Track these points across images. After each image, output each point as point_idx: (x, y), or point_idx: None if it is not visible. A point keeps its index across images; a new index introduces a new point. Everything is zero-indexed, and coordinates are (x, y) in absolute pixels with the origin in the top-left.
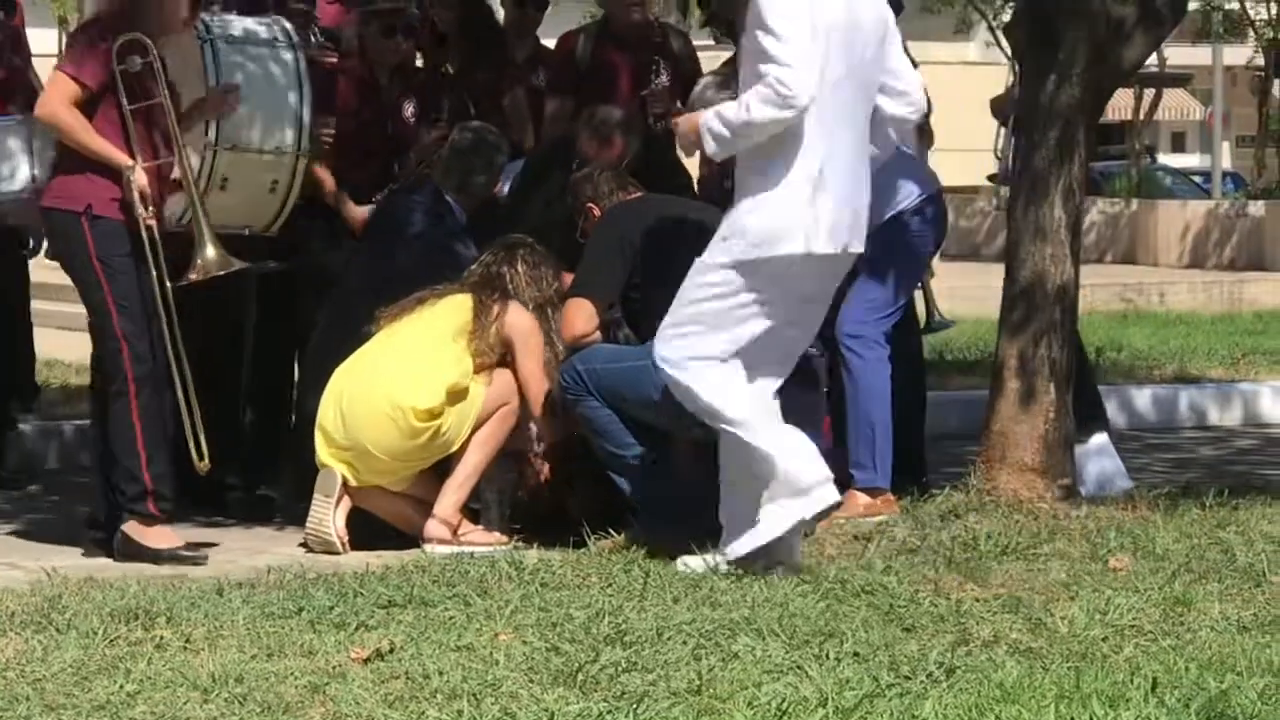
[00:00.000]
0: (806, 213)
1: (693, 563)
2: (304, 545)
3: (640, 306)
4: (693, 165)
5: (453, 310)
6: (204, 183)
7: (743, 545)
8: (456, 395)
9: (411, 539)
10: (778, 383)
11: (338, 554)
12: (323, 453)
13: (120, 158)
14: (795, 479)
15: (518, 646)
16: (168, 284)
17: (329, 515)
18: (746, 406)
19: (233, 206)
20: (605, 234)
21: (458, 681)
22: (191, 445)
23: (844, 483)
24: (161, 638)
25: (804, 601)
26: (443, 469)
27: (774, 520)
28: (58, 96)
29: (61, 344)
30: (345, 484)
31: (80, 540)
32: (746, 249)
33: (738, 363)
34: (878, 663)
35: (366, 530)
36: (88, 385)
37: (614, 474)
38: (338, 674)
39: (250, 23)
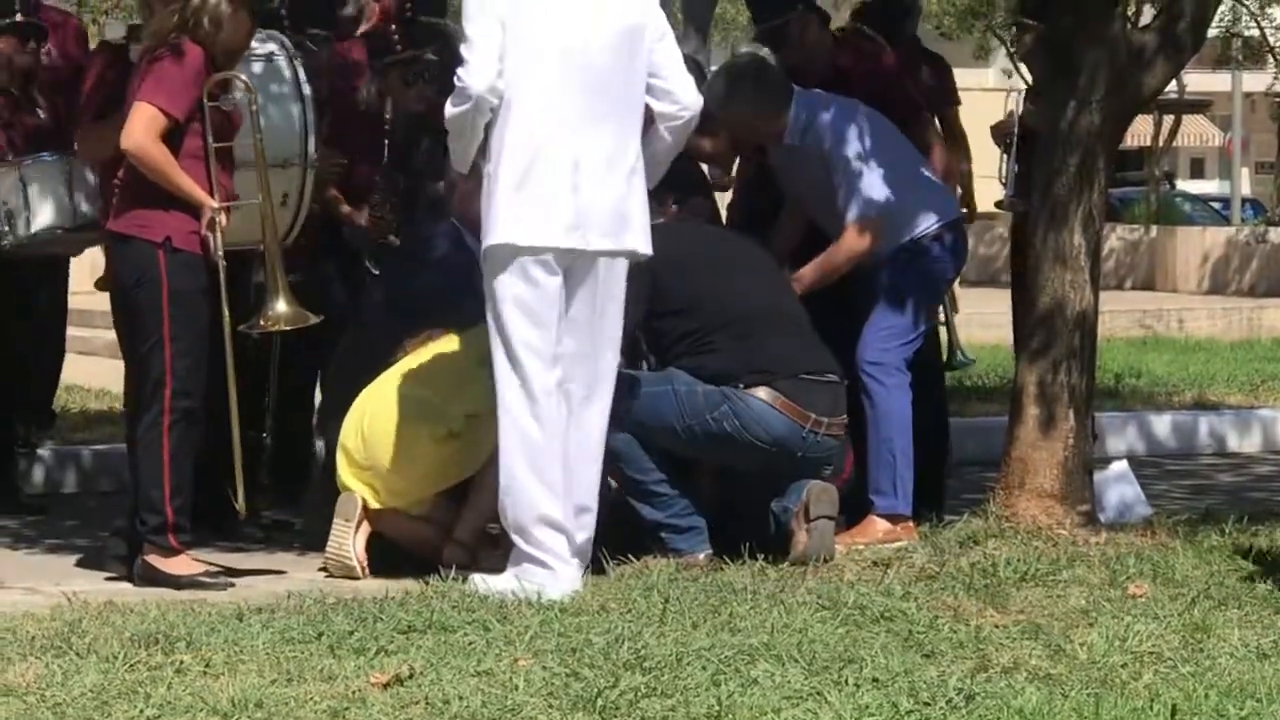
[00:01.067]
0: (509, 209)
1: (493, 582)
2: (324, 570)
3: (661, 334)
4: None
5: (479, 339)
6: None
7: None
8: (478, 420)
9: (431, 564)
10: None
11: (357, 579)
12: (344, 473)
13: (204, 197)
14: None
15: (537, 672)
16: (226, 324)
17: (349, 540)
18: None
19: (246, 225)
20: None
21: (477, 707)
22: (239, 489)
23: (864, 508)
24: (181, 663)
25: (823, 627)
26: (462, 494)
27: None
28: (144, 129)
29: (80, 369)
30: (365, 508)
31: (101, 563)
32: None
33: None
34: (897, 689)
35: (386, 555)
36: (107, 410)
37: (634, 500)
38: (357, 699)
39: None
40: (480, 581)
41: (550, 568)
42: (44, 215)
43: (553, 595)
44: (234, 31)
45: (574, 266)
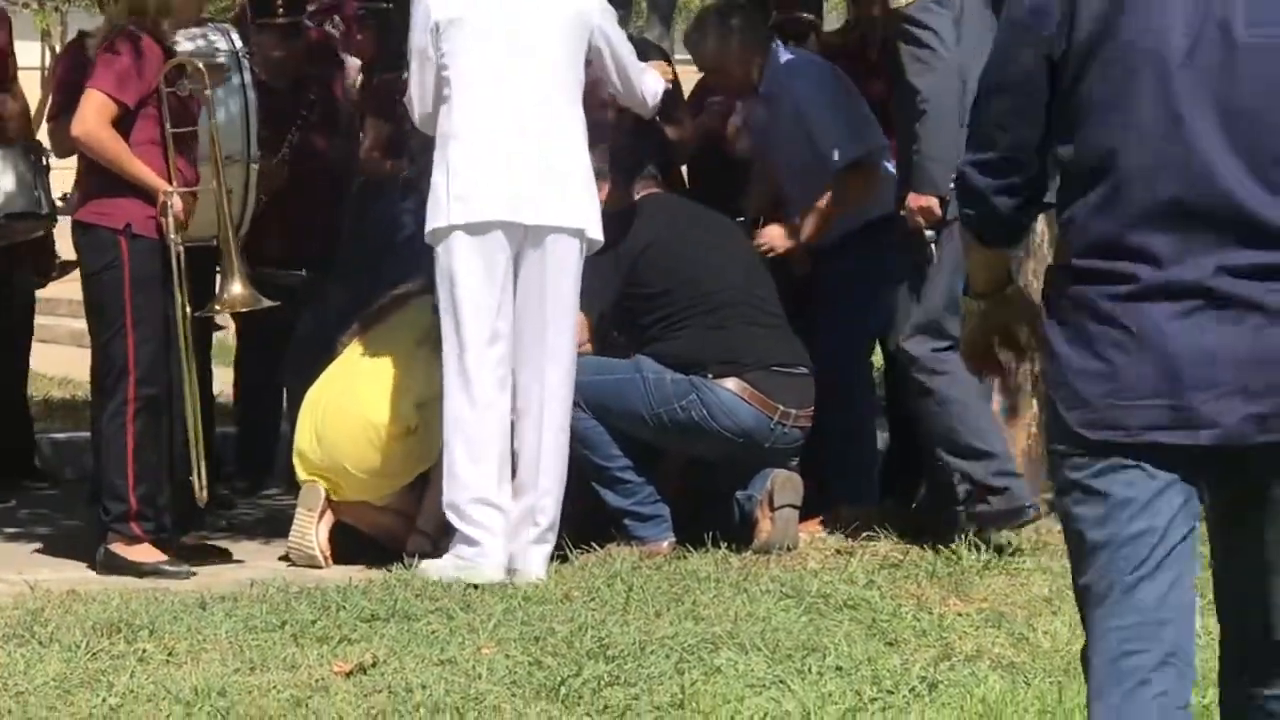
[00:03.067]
0: (452, 187)
1: (433, 566)
2: (286, 559)
3: (633, 314)
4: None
5: (415, 315)
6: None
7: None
8: (430, 408)
9: (394, 553)
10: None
11: (320, 568)
12: (301, 474)
13: (159, 182)
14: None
15: (500, 660)
16: (188, 310)
17: (312, 529)
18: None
19: (206, 218)
20: (607, 240)
21: (440, 695)
22: (196, 478)
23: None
24: (144, 651)
25: (786, 615)
26: (425, 482)
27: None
28: (94, 115)
29: (43, 358)
30: (328, 498)
31: (61, 552)
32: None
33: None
34: (860, 677)
35: (350, 545)
36: (70, 398)
37: (599, 486)
38: (320, 687)
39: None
40: (425, 567)
41: (478, 543)
42: None
43: (485, 572)
44: (183, 7)
45: (523, 246)
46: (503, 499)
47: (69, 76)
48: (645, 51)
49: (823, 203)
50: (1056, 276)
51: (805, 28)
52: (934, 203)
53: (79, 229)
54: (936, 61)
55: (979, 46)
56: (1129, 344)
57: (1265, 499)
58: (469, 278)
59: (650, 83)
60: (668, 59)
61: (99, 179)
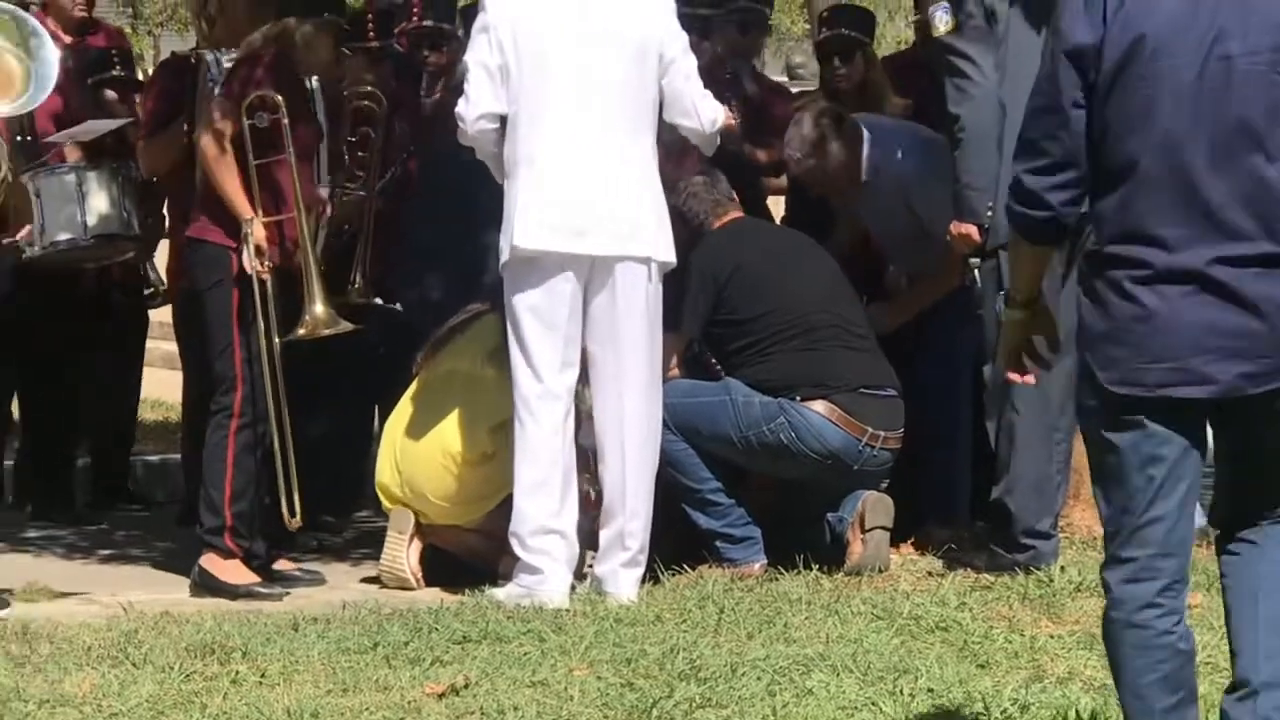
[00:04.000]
0: (522, 217)
1: (497, 593)
2: (378, 581)
3: (722, 341)
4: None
5: (485, 334)
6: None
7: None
8: (504, 428)
9: (485, 574)
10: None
11: (412, 590)
12: (386, 505)
13: (245, 209)
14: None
15: (592, 682)
16: (274, 337)
17: (403, 552)
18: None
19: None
20: (695, 266)
21: (532, 717)
22: (284, 500)
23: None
24: (237, 673)
25: (878, 637)
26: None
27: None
28: (215, 127)
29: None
30: (418, 520)
31: (155, 574)
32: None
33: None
34: (952, 699)
35: (441, 566)
36: (162, 420)
37: (690, 508)
38: (413, 709)
39: None
40: (492, 594)
41: (540, 571)
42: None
43: (547, 599)
44: (315, 54)
45: (592, 275)
46: (565, 525)
47: (166, 93)
48: (738, 71)
49: (933, 281)
50: (1089, 262)
51: (853, 45)
52: (973, 230)
53: (191, 244)
54: (974, 89)
55: (1024, 68)
56: (1146, 317)
57: (1262, 437)
58: (536, 308)
59: (709, 110)
60: (758, 78)
61: (214, 195)
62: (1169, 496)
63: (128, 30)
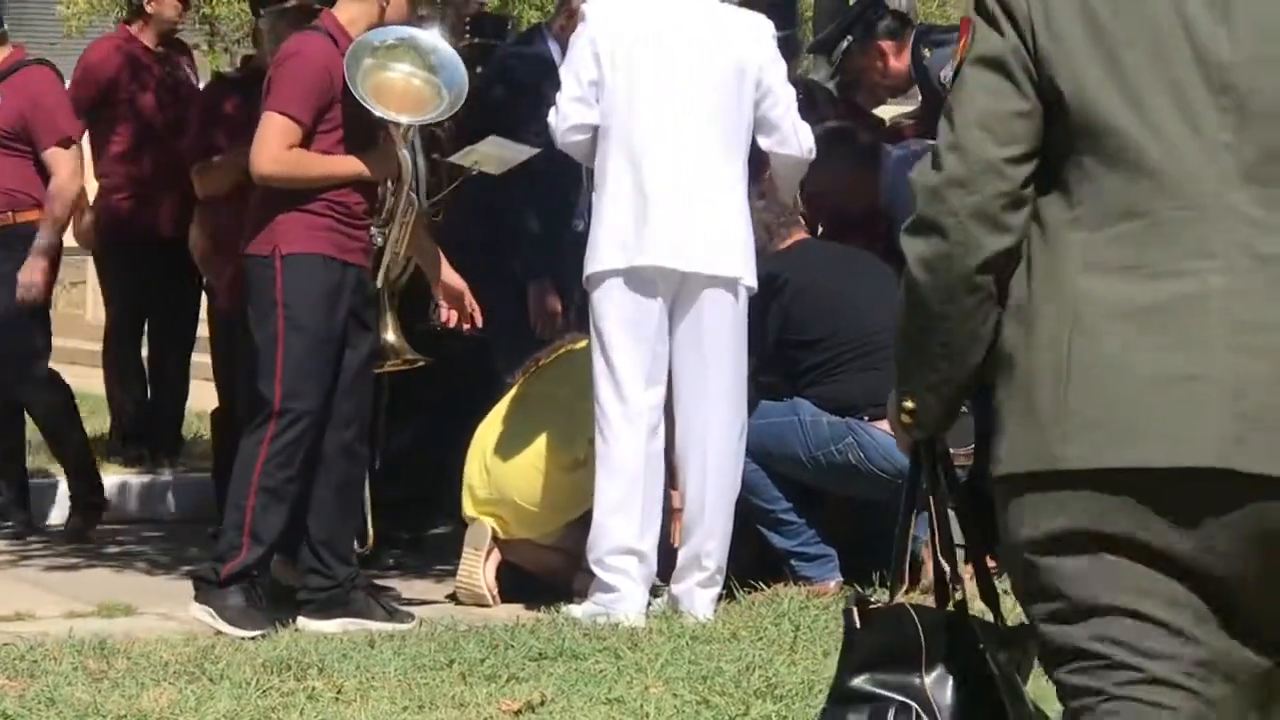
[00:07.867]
0: (609, 233)
1: (572, 610)
2: (453, 598)
3: (790, 361)
4: None
5: (586, 362)
6: None
7: None
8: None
9: (561, 591)
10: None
11: (488, 606)
12: (469, 508)
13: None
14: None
15: (668, 699)
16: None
17: (479, 568)
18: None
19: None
20: (761, 289)
21: None
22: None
23: None
24: (313, 689)
25: None
26: (590, 520)
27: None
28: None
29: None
30: (495, 537)
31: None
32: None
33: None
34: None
35: (517, 583)
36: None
37: (764, 528)
38: None
39: None
40: (568, 611)
41: (616, 589)
42: None
43: (618, 618)
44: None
45: (679, 293)
46: (645, 545)
47: (218, 113)
48: (813, 93)
49: None
50: None
51: (856, 74)
52: None
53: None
54: None
55: None
56: None
57: None
58: (623, 323)
59: (809, 137)
60: (834, 100)
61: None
62: None
63: (203, 48)
